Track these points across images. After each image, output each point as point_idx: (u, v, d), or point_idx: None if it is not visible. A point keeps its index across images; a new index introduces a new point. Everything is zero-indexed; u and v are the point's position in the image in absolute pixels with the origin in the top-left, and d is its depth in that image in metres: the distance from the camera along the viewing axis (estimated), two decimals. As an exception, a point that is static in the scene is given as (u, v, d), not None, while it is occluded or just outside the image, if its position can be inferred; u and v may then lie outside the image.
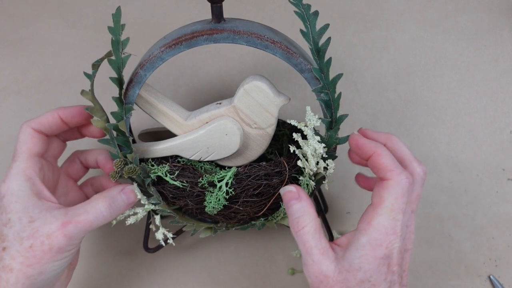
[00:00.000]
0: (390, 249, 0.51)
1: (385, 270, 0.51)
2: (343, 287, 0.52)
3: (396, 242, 0.51)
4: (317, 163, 0.59)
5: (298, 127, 0.58)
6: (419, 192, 0.55)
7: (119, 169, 0.59)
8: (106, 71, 0.59)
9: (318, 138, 0.58)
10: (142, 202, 0.60)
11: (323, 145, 0.58)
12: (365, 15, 0.90)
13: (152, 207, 0.62)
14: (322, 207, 0.70)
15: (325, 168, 0.59)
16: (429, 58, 0.87)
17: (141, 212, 0.60)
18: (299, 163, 0.60)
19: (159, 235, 0.62)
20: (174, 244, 0.62)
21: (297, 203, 0.56)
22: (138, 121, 0.72)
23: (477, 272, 0.76)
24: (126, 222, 0.60)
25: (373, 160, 0.54)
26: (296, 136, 0.58)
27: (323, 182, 0.61)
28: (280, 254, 0.78)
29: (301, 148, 0.59)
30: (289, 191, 0.56)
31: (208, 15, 0.56)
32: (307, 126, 0.58)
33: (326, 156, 0.59)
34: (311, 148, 0.58)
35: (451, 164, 0.81)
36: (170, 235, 0.62)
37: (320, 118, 0.58)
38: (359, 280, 0.51)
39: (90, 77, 0.56)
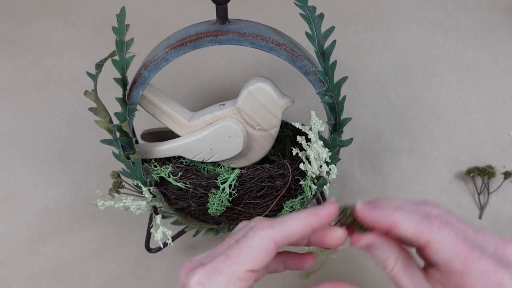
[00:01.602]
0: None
1: None
2: None
3: (506, 279, 0.43)
4: (320, 166, 0.59)
5: (303, 130, 0.58)
6: (455, 217, 0.46)
7: (115, 180, 0.59)
8: (108, 71, 0.59)
9: (321, 142, 0.58)
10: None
11: (327, 149, 0.58)
12: (365, 15, 0.90)
13: (156, 203, 0.61)
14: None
15: (328, 173, 0.59)
16: (429, 58, 0.87)
17: (143, 206, 0.60)
18: (301, 166, 0.60)
19: (159, 235, 0.62)
20: (172, 245, 0.62)
21: (375, 250, 0.48)
22: (140, 121, 0.72)
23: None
24: (136, 213, 0.60)
25: (395, 233, 0.46)
26: (300, 139, 0.58)
27: (325, 186, 0.61)
28: (281, 254, 0.79)
29: (304, 151, 0.59)
30: (364, 245, 0.48)
31: (210, 15, 0.56)
32: (311, 130, 0.58)
33: (330, 160, 0.59)
34: (315, 152, 0.58)
35: (451, 164, 0.82)
36: (169, 232, 0.62)
37: (327, 122, 0.58)
38: None
39: (94, 77, 0.55)
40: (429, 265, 0.48)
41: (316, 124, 0.57)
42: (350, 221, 0.48)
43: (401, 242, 0.49)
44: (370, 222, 0.47)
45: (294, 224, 0.46)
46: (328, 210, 0.47)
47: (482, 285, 0.43)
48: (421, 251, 0.47)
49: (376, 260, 0.48)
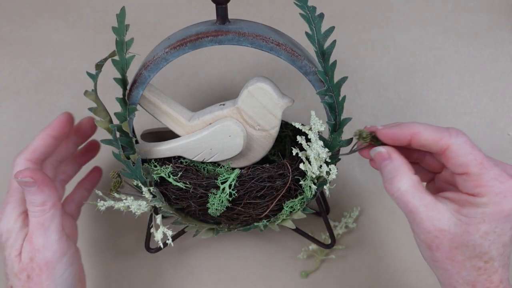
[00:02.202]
0: None
1: None
2: (463, 241, 0.49)
3: None
4: (320, 166, 0.59)
5: (303, 130, 0.58)
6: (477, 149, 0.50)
7: (115, 180, 0.59)
8: (108, 71, 0.59)
9: (321, 142, 0.58)
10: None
11: (327, 150, 0.58)
12: (365, 15, 0.90)
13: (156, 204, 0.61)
14: (323, 208, 0.70)
15: (328, 173, 0.59)
16: (429, 58, 0.87)
17: (143, 205, 0.60)
18: (301, 166, 0.60)
19: (159, 235, 0.62)
20: (173, 245, 0.62)
21: (389, 163, 0.53)
22: (140, 121, 0.72)
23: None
24: (135, 213, 0.60)
25: (416, 142, 0.51)
26: (300, 139, 0.58)
27: (325, 186, 0.61)
28: (281, 255, 0.79)
29: (304, 151, 0.60)
30: (378, 153, 0.54)
31: (210, 15, 0.56)
32: (311, 130, 0.58)
33: (329, 160, 0.59)
34: (315, 152, 0.58)
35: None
36: (170, 232, 0.62)
37: (327, 122, 0.58)
38: (483, 232, 0.48)
39: (94, 77, 0.55)
40: (441, 196, 0.52)
41: (316, 124, 0.57)
42: (368, 141, 0.54)
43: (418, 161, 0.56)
44: (392, 136, 0.52)
45: (36, 141, 0.61)
46: (59, 119, 0.60)
47: (496, 187, 0.47)
48: (439, 157, 0.51)
49: (386, 176, 0.53)
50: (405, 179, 0.51)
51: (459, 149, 0.49)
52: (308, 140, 0.59)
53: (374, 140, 0.54)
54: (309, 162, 0.59)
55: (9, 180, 0.62)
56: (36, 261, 0.56)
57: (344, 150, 0.60)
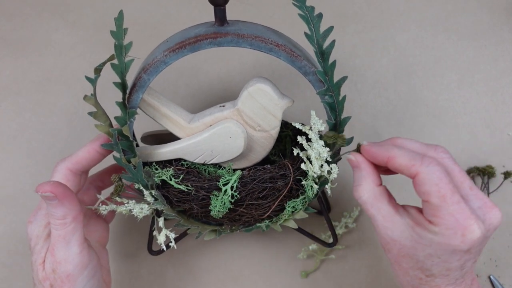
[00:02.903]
0: (468, 237, 0.49)
1: (462, 253, 0.51)
2: (409, 253, 0.53)
3: (475, 227, 0.49)
4: (321, 166, 0.59)
5: (303, 130, 0.58)
6: (458, 168, 0.54)
7: (117, 184, 0.59)
8: (107, 73, 0.59)
9: (322, 142, 0.58)
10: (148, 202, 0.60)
11: (327, 149, 0.58)
12: (365, 15, 0.90)
13: (158, 206, 0.61)
14: (325, 207, 0.70)
15: (329, 172, 0.59)
16: (429, 58, 0.87)
17: (145, 208, 0.60)
18: (302, 166, 0.60)
19: (161, 237, 0.62)
20: (176, 248, 0.62)
21: (357, 171, 0.57)
22: (139, 124, 0.72)
23: (477, 272, 0.77)
24: (138, 217, 0.60)
25: (391, 165, 0.54)
26: (300, 139, 0.58)
27: (326, 186, 0.61)
28: (281, 255, 0.79)
29: (305, 150, 0.60)
30: (349, 160, 0.58)
31: (209, 16, 0.56)
32: (311, 130, 0.58)
33: (330, 160, 0.59)
34: (315, 152, 0.58)
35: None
36: (172, 235, 0.62)
37: (327, 120, 0.58)
38: (428, 254, 0.51)
39: (93, 81, 0.55)
40: (406, 210, 0.55)
41: (317, 124, 0.57)
42: None
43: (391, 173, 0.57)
44: (371, 154, 0.55)
45: (80, 152, 0.60)
46: (102, 137, 0.59)
47: (451, 223, 0.49)
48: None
49: (353, 182, 0.57)
50: (367, 190, 0.55)
51: (426, 178, 0.50)
52: (308, 140, 0.59)
53: (359, 150, 0.58)
54: (310, 162, 0.59)
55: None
56: (58, 273, 0.56)
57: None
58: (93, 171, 0.67)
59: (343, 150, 0.62)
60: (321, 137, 0.59)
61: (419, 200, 0.52)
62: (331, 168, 0.59)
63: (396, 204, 0.55)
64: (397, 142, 0.57)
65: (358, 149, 0.58)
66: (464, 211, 0.49)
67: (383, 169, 0.58)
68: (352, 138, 0.59)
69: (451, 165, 0.54)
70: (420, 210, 0.53)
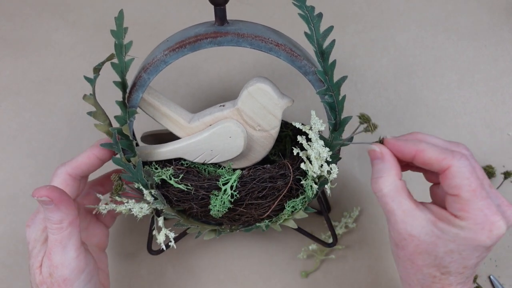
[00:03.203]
0: (494, 233, 0.49)
1: (483, 250, 0.51)
2: (428, 249, 0.52)
3: (501, 224, 0.49)
4: (321, 166, 0.59)
5: (303, 130, 0.58)
6: (478, 166, 0.53)
7: (117, 183, 0.59)
8: (107, 73, 0.59)
9: (322, 142, 0.58)
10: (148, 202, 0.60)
11: (327, 149, 0.58)
12: (365, 15, 0.90)
13: (157, 206, 0.61)
14: (325, 207, 0.70)
15: (329, 172, 0.59)
16: (429, 58, 0.87)
17: (145, 208, 0.60)
18: (302, 166, 0.60)
19: (161, 237, 0.62)
20: (175, 247, 0.62)
21: (380, 163, 0.55)
22: (139, 123, 0.72)
23: (477, 272, 0.77)
24: (137, 216, 0.60)
25: (419, 159, 0.53)
26: (300, 139, 0.59)
27: (326, 186, 0.61)
28: (281, 255, 0.79)
29: (305, 150, 0.60)
30: (372, 150, 0.56)
31: (209, 15, 0.56)
32: (311, 130, 0.58)
33: (330, 160, 0.59)
34: (315, 152, 0.58)
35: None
36: (172, 235, 0.62)
37: (329, 121, 0.58)
38: (449, 249, 0.51)
39: (92, 81, 0.55)
40: (426, 207, 0.54)
41: (317, 123, 0.57)
42: (369, 127, 0.56)
43: (421, 170, 0.58)
44: (397, 149, 0.55)
45: (80, 157, 0.60)
46: (103, 142, 0.58)
47: (479, 218, 0.49)
48: (438, 176, 0.53)
49: (374, 174, 0.55)
50: (389, 182, 0.54)
51: (457, 171, 0.50)
52: (308, 139, 0.59)
53: (380, 142, 0.57)
54: (310, 162, 0.59)
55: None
56: (54, 277, 0.56)
57: (354, 153, 0.60)
58: (94, 176, 0.67)
59: (345, 150, 0.62)
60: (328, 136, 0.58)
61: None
62: (330, 168, 0.59)
63: (415, 201, 0.54)
64: (420, 136, 0.57)
65: (364, 118, 0.56)
66: (492, 207, 0.49)
67: (401, 165, 0.57)
68: (352, 138, 0.59)
69: (473, 162, 0.53)
70: (441, 208, 0.53)
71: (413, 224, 0.52)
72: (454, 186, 0.50)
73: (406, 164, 0.58)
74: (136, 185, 0.59)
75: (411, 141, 0.54)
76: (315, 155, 0.58)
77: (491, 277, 0.76)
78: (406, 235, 0.53)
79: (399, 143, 0.55)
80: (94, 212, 0.63)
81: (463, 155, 0.51)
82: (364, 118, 0.56)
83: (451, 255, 0.51)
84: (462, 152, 0.52)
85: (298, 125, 0.59)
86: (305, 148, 0.59)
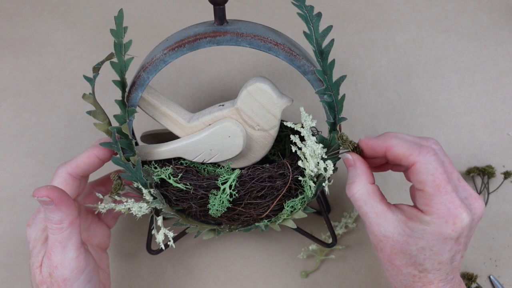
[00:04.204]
0: (458, 225, 0.51)
1: (452, 243, 0.52)
2: (402, 249, 0.54)
3: (464, 216, 0.51)
4: (318, 163, 0.59)
5: (295, 128, 0.59)
6: (448, 160, 0.55)
7: (116, 182, 0.59)
8: (106, 72, 0.59)
9: (314, 138, 0.58)
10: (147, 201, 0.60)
11: (321, 145, 0.58)
12: (365, 15, 0.90)
13: (156, 205, 0.61)
14: (324, 207, 0.70)
15: (325, 169, 0.59)
16: (429, 58, 0.87)
17: (144, 207, 0.60)
18: (299, 163, 0.60)
19: (160, 236, 0.62)
20: (174, 247, 0.62)
21: (352, 169, 0.58)
22: (138, 122, 0.72)
23: (477, 272, 0.77)
24: (136, 216, 0.60)
25: (390, 154, 0.55)
26: (293, 138, 0.59)
27: (323, 184, 0.61)
28: (281, 255, 0.79)
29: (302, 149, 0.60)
30: (346, 159, 0.59)
31: (209, 15, 0.56)
32: (303, 127, 0.58)
33: (326, 157, 0.59)
34: (310, 149, 0.58)
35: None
36: (171, 234, 0.62)
37: (327, 120, 0.58)
38: (420, 247, 0.53)
39: (91, 80, 0.55)
40: (397, 207, 0.56)
41: (307, 120, 0.58)
42: (348, 147, 0.58)
43: (392, 167, 0.61)
44: (370, 146, 0.57)
45: (80, 157, 0.60)
46: (102, 141, 0.59)
47: (442, 211, 0.51)
48: (407, 173, 0.56)
49: (347, 180, 0.59)
50: (360, 186, 0.57)
51: (422, 167, 0.52)
52: (303, 138, 0.59)
53: (356, 150, 0.59)
54: (307, 160, 0.59)
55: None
56: (54, 277, 0.57)
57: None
58: (96, 177, 0.67)
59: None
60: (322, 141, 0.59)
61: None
62: (326, 165, 0.59)
63: (387, 203, 0.57)
64: (390, 134, 0.58)
65: (354, 149, 0.59)
66: (455, 201, 0.51)
67: (378, 166, 0.61)
68: (337, 153, 0.60)
69: (442, 156, 0.55)
70: (411, 206, 0.55)
71: (386, 225, 0.55)
72: (419, 181, 0.52)
73: (386, 163, 0.61)
74: (135, 185, 0.59)
75: (382, 138, 0.56)
76: (310, 153, 0.58)
77: (491, 277, 0.76)
78: (381, 236, 0.55)
79: (371, 141, 0.57)
80: (95, 212, 0.63)
81: (430, 151, 0.52)
82: (342, 140, 0.58)
83: (424, 252, 0.53)
84: (431, 146, 0.54)
85: (289, 124, 0.59)
86: (299, 146, 0.59)
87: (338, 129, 0.59)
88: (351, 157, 0.58)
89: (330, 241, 0.73)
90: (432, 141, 0.56)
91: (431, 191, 0.51)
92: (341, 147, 0.59)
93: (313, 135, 0.59)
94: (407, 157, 0.53)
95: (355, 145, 0.59)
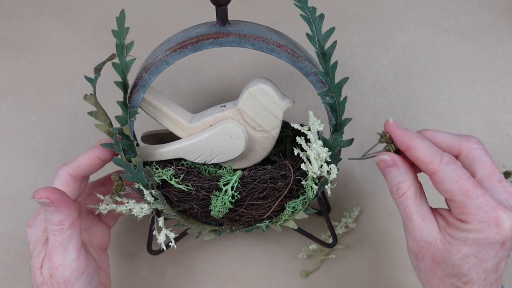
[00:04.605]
0: (502, 226, 0.48)
1: (498, 247, 0.50)
2: (444, 258, 0.51)
3: (505, 217, 0.48)
4: (321, 166, 0.59)
5: (302, 131, 0.58)
6: (490, 160, 0.53)
7: (117, 183, 0.59)
8: (107, 73, 0.59)
9: (321, 142, 0.58)
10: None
11: (326, 149, 0.58)
12: (365, 15, 0.90)
13: (158, 206, 0.61)
14: (325, 207, 0.70)
15: (328, 172, 0.59)
16: (429, 58, 0.87)
17: (145, 208, 0.60)
18: (302, 166, 0.60)
19: (161, 237, 0.62)
20: (176, 248, 0.62)
21: (395, 169, 0.55)
22: (139, 122, 0.72)
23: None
24: (137, 216, 0.60)
25: (410, 155, 0.53)
26: (299, 139, 0.59)
27: (326, 186, 0.61)
28: (281, 255, 0.79)
29: (304, 151, 0.60)
30: (383, 160, 0.56)
31: (209, 15, 0.56)
32: (310, 130, 0.58)
33: (330, 160, 0.59)
34: (315, 152, 0.58)
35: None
36: (172, 235, 0.62)
37: (328, 122, 0.58)
38: (464, 254, 0.50)
39: (92, 81, 0.55)
40: (438, 212, 0.54)
41: (315, 124, 0.57)
42: (387, 143, 0.57)
43: (416, 170, 0.56)
44: (393, 136, 0.55)
45: (81, 157, 0.59)
46: (104, 142, 0.59)
47: (480, 216, 0.48)
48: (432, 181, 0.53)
49: (391, 182, 0.55)
50: (409, 185, 0.54)
51: (445, 176, 0.50)
52: (307, 140, 0.59)
53: (398, 151, 0.56)
54: (310, 162, 0.59)
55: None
56: (55, 278, 0.57)
57: (354, 154, 0.60)
58: (97, 177, 0.67)
59: (345, 150, 0.62)
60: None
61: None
62: (330, 169, 0.59)
63: (429, 205, 0.54)
64: (427, 133, 0.56)
65: (384, 137, 0.57)
66: (490, 203, 0.49)
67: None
68: (352, 140, 0.60)
69: (484, 156, 0.53)
70: (449, 213, 0.52)
71: (429, 230, 0.52)
72: (445, 191, 0.51)
73: None
74: (136, 185, 0.59)
75: (408, 134, 0.54)
76: (315, 156, 0.58)
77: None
78: (423, 242, 0.52)
79: (397, 132, 0.55)
80: (96, 213, 0.63)
81: (450, 160, 0.50)
82: (385, 138, 0.57)
83: (467, 260, 0.50)
84: (469, 146, 0.53)
85: (296, 126, 0.59)
86: (304, 149, 0.59)
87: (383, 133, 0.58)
88: (390, 157, 0.55)
89: (331, 241, 0.73)
90: (474, 139, 0.54)
91: (461, 199, 0.49)
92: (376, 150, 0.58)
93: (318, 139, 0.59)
94: (427, 165, 0.51)
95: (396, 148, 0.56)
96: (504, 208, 0.49)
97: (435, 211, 0.54)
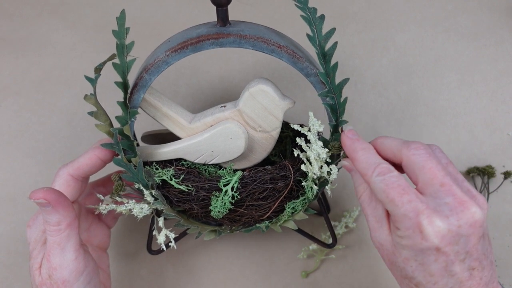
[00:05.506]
0: (426, 233, 0.47)
1: (434, 253, 0.48)
2: (392, 260, 0.52)
3: (426, 223, 0.47)
4: (321, 167, 0.59)
5: (302, 131, 0.58)
6: (430, 165, 0.50)
7: (117, 183, 0.59)
8: (107, 73, 0.59)
9: (321, 143, 0.58)
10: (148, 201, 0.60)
11: (326, 150, 0.58)
12: (365, 15, 0.90)
13: (158, 206, 0.61)
14: (324, 208, 0.70)
15: (328, 173, 0.59)
16: (429, 58, 0.87)
17: (145, 208, 0.60)
18: (302, 167, 0.60)
19: (161, 237, 0.62)
20: (176, 248, 0.62)
21: (354, 173, 0.58)
22: (139, 122, 0.72)
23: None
24: (137, 216, 0.60)
25: (355, 166, 0.55)
26: (299, 140, 0.59)
27: (326, 187, 0.61)
28: (281, 255, 0.79)
29: (304, 152, 0.60)
30: (344, 165, 0.59)
31: (210, 15, 0.56)
32: (310, 131, 0.58)
33: (330, 160, 0.59)
34: (315, 153, 0.58)
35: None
36: (172, 235, 0.62)
37: (329, 123, 0.58)
38: (404, 257, 0.50)
39: (93, 81, 0.55)
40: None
41: (315, 125, 0.57)
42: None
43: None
44: (343, 146, 0.57)
45: (82, 158, 0.59)
46: (104, 142, 0.59)
47: (406, 223, 0.48)
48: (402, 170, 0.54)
49: (354, 184, 0.58)
50: (364, 188, 0.56)
51: (374, 187, 0.51)
52: (307, 141, 0.59)
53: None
54: (310, 163, 0.59)
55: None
56: (54, 278, 0.56)
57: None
58: (97, 177, 0.67)
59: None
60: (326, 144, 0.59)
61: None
62: (330, 169, 0.59)
63: (385, 208, 0.54)
64: (378, 141, 0.57)
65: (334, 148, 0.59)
66: (415, 209, 0.48)
67: None
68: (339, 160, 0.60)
69: (423, 161, 0.51)
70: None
71: (381, 231, 0.53)
72: (380, 201, 0.51)
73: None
74: (136, 186, 0.59)
75: (354, 146, 0.56)
76: (315, 156, 0.58)
77: (491, 277, 0.76)
78: (377, 243, 0.54)
79: (347, 142, 0.57)
80: (96, 213, 0.63)
81: (385, 169, 0.51)
82: (334, 148, 0.59)
83: (409, 263, 0.50)
84: (408, 152, 0.53)
85: (296, 127, 0.59)
86: (304, 149, 0.59)
87: (340, 131, 0.59)
88: (348, 163, 0.58)
89: (330, 241, 0.73)
90: (414, 145, 0.53)
91: (389, 207, 0.50)
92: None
93: (318, 139, 0.59)
94: (363, 176, 0.52)
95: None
96: (429, 214, 0.47)
97: (389, 215, 0.54)
